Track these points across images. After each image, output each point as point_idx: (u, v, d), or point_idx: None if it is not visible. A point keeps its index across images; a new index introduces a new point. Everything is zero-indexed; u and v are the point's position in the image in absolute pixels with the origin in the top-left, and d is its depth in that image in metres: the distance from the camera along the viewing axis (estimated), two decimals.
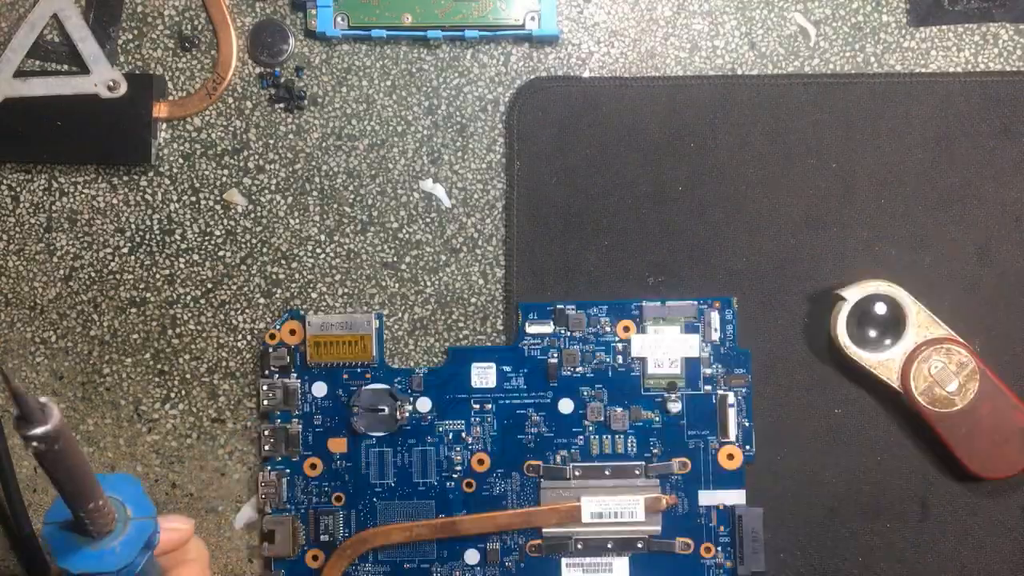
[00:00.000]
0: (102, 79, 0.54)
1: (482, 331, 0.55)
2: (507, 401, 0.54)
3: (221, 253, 0.56)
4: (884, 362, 0.52)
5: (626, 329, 0.53)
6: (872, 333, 0.52)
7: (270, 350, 0.54)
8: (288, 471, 0.54)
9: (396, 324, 0.55)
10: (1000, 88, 0.54)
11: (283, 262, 0.55)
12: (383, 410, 0.53)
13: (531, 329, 0.53)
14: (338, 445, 0.54)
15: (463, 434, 0.54)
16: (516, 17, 0.53)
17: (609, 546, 0.53)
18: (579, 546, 0.53)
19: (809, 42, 0.55)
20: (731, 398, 0.53)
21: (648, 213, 0.54)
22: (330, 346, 0.53)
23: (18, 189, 0.56)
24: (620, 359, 0.53)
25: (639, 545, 0.53)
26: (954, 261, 0.54)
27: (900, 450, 0.54)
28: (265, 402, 0.53)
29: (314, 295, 0.55)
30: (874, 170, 0.54)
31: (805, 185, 0.54)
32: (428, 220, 0.55)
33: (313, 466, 0.54)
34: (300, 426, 0.54)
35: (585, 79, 0.55)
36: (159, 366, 0.56)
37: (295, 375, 0.54)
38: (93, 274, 0.56)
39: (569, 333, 0.53)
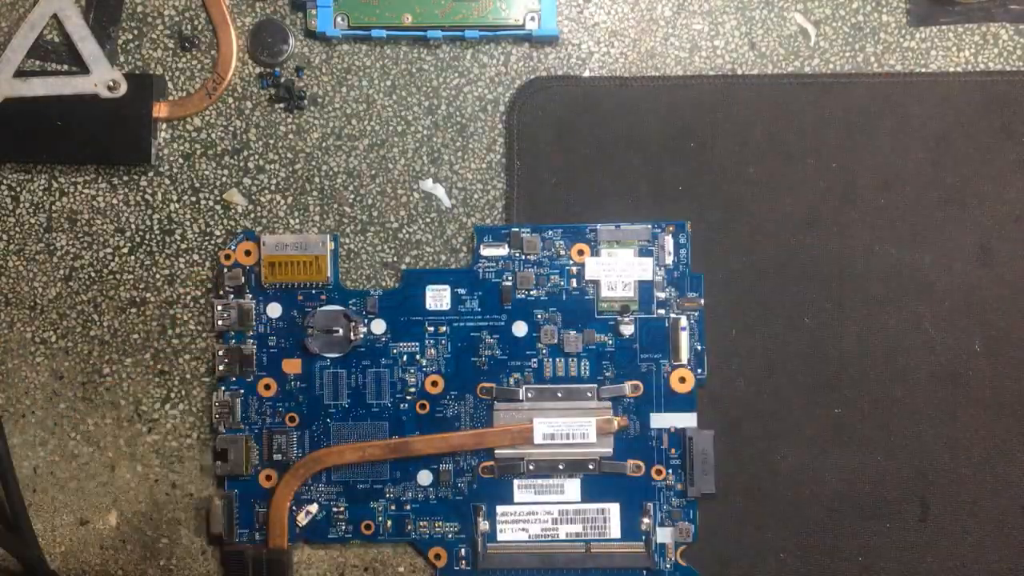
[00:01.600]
0: (102, 79, 0.54)
1: None
2: (461, 324, 0.54)
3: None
4: None
5: (580, 252, 0.53)
6: None
7: (225, 270, 0.54)
8: (242, 391, 0.54)
9: None
10: (1000, 88, 0.54)
11: None
12: (337, 331, 0.53)
13: (486, 252, 0.53)
14: (292, 366, 0.54)
15: (417, 356, 0.54)
16: (516, 17, 0.53)
17: (561, 467, 0.53)
18: (531, 467, 0.53)
19: (809, 42, 0.55)
20: (683, 322, 0.53)
21: (648, 213, 0.54)
22: (285, 266, 0.53)
23: (18, 189, 0.56)
24: (574, 282, 0.53)
25: (590, 467, 0.53)
26: (954, 261, 0.54)
27: (900, 450, 0.54)
28: (219, 322, 0.53)
29: None
30: (874, 170, 0.54)
31: (805, 185, 0.54)
32: (428, 220, 0.55)
33: (267, 386, 0.54)
34: (255, 346, 0.54)
35: (585, 79, 0.55)
36: (159, 366, 0.56)
37: (250, 296, 0.54)
38: (93, 274, 0.56)
39: (524, 256, 0.53)
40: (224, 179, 0.56)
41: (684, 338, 0.53)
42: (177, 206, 0.56)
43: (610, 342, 0.53)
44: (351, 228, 0.55)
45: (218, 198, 0.56)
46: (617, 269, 0.53)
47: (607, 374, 0.53)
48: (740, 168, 0.54)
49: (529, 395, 0.53)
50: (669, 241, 0.53)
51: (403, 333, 0.54)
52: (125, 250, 0.56)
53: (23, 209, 0.56)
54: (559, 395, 0.53)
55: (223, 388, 0.54)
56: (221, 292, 0.54)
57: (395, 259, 0.55)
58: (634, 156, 0.54)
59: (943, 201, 0.54)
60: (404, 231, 0.55)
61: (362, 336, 0.54)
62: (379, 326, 0.54)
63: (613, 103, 0.54)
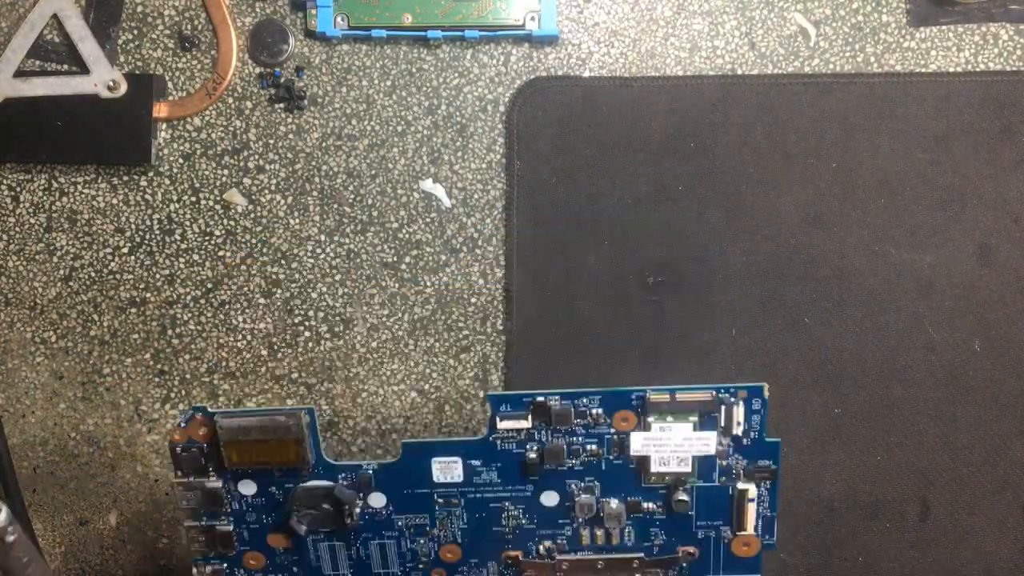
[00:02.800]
0: (102, 79, 0.54)
1: (482, 331, 0.55)
2: (478, 495, 0.45)
3: (221, 253, 0.56)
4: None
5: (624, 420, 0.43)
6: None
7: (178, 449, 0.45)
8: (225, 566, 0.47)
9: (396, 324, 0.55)
10: (1000, 88, 0.54)
11: (283, 262, 0.55)
12: (328, 508, 0.45)
13: (504, 425, 0.43)
14: (279, 540, 0.46)
15: (427, 528, 0.46)
16: (516, 17, 0.53)
17: None
18: None
19: (809, 42, 0.55)
20: (752, 492, 0.44)
21: (648, 213, 0.54)
22: (253, 448, 0.44)
23: (18, 189, 0.56)
24: (616, 451, 0.44)
25: None
26: (954, 261, 0.54)
27: (900, 450, 0.54)
28: (184, 503, 0.45)
29: (314, 295, 0.55)
30: (874, 170, 0.54)
31: (805, 185, 0.54)
32: (428, 220, 0.55)
33: (254, 560, 0.47)
34: (232, 525, 0.46)
35: (585, 79, 0.55)
36: (159, 366, 0.56)
37: (214, 475, 0.45)
38: (93, 274, 0.56)
39: (552, 428, 0.44)
40: (224, 179, 0.56)
41: (751, 508, 0.44)
42: (177, 206, 0.56)
43: (660, 511, 0.45)
44: (351, 228, 0.55)
45: (218, 198, 0.56)
46: (671, 445, 0.43)
47: (656, 541, 0.46)
48: (740, 168, 0.54)
49: (564, 567, 0.46)
50: (740, 411, 0.43)
51: (408, 505, 0.46)
52: (125, 250, 0.56)
53: (23, 209, 0.56)
54: (600, 566, 0.46)
55: (204, 563, 0.47)
56: (178, 474, 0.45)
57: (395, 259, 0.55)
58: (634, 156, 0.54)
59: (943, 201, 0.54)
60: (404, 231, 0.55)
61: (358, 512, 0.46)
62: (378, 499, 0.45)
63: (613, 103, 0.54)
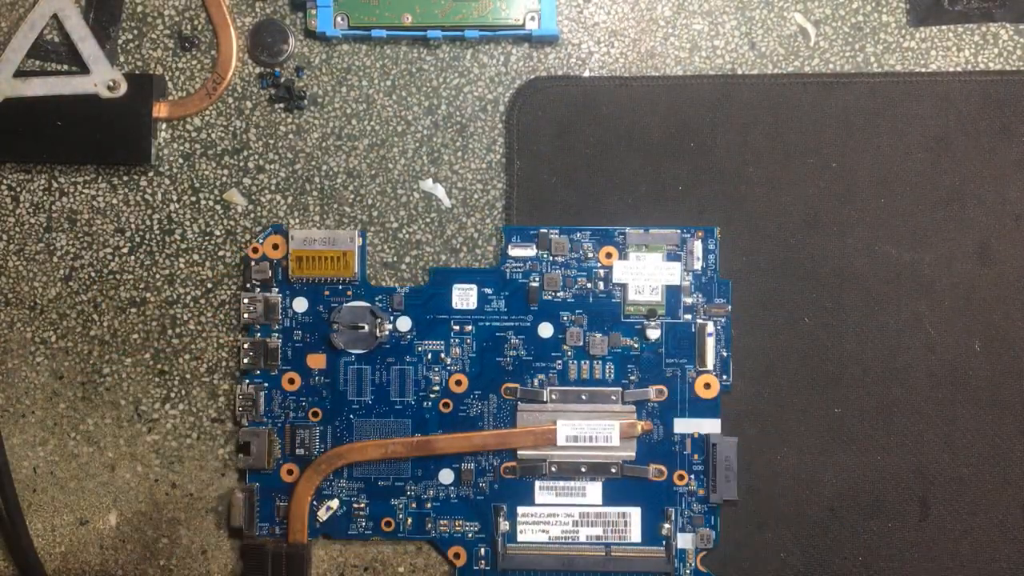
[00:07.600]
0: (102, 79, 0.54)
1: None
2: (487, 323, 0.54)
3: (221, 253, 0.56)
4: None
5: (608, 255, 0.53)
6: None
7: (252, 263, 0.54)
8: (266, 384, 0.54)
9: None
10: (1000, 88, 0.54)
11: None
12: (363, 328, 0.53)
13: (514, 252, 0.53)
14: (317, 361, 0.54)
15: (442, 354, 0.54)
16: (516, 17, 0.53)
17: (583, 470, 0.53)
18: (553, 469, 0.53)
19: (809, 42, 0.55)
20: (710, 327, 0.53)
21: (648, 213, 0.54)
22: (312, 261, 0.53)
23: (18, 189, 0.56)
24: (601, 285, 0.53)
25: (612, 470, 0.53)
26: (954, 261, 0.54)
27: (900, 450, 0.54)
28: (246, 315, 0.54)
29: None
30: (874, 170, 0.54)
31: (805, 185, 0.54)
32: (428, 220, 0.55)
33: (291, 380, 0.54)
34: (280, 340, 0.54)
35: (585, 79, 0.55)
36: (159, 366, 0.56)
37: (276, 289, 0.54)
38: (93, 274, 0.56)
39: (551, 257, 0.53)
40: (224, 179, 0.56)
41: (710, 344, 0.53)
42: (177, 206, 0.56)
43: (636, 346, 0.53)
44: (351, 228, 0.55)
45: (218, 198, 0.56)
46: (645, 273, 0.53)
47: (632, 378, 0.53)
48: (740, 168, 0.54)
49: (553, 397, 0.53)
50: (698, 246, 0.53)
51: (428, 331, 0.54)
52: (125, 250, 0.56)
53: (23, 209, 0.56)
54: (583, 397, 0.53)
55: (247, 381, 0.54)
56: (248, 285, 0.54)
57: (395, 259, 0.55)
58: (634, 156, 0.54)
59: (943, 201, 0.54)
60: (404, 231, 0.55)
61: (387, 333, 0.53)
62: (405, 323, 0.54)
63: (613, 103, 0.54)
